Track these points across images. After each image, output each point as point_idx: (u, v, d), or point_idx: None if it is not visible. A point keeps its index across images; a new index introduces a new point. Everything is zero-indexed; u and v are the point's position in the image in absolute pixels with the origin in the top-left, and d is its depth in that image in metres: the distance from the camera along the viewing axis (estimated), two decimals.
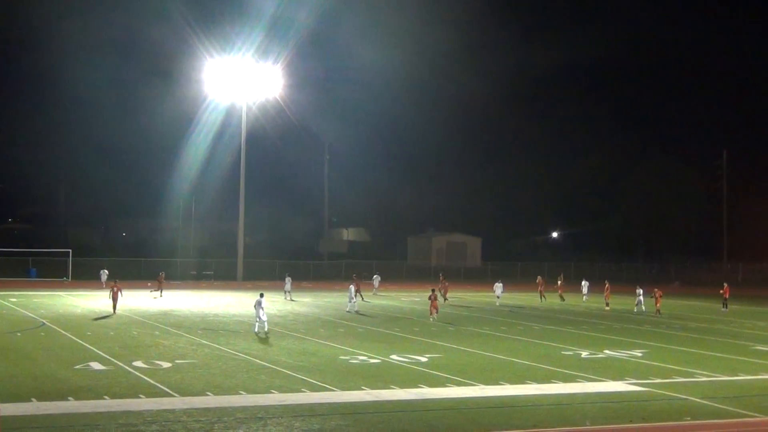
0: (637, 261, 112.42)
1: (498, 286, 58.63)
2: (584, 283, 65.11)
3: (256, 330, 38.80)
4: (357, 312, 50.29)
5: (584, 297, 63.82)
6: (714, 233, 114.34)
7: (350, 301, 51.30)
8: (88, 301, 55.38)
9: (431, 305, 47.00)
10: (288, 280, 61.98)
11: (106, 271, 70.74)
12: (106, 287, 67.43)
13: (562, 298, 62.24)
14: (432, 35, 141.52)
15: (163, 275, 64.30)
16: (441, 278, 62.64)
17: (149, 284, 65.89)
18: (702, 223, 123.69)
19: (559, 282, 64.05)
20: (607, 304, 56.79)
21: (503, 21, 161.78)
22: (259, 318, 38.78)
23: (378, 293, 65.59)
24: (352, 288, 52.45)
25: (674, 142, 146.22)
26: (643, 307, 53.86)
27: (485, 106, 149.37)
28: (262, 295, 40.23)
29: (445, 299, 57.50)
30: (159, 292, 61.07)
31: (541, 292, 62.49)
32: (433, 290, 48.84)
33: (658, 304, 52.35)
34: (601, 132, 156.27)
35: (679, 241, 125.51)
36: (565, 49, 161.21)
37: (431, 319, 46.10)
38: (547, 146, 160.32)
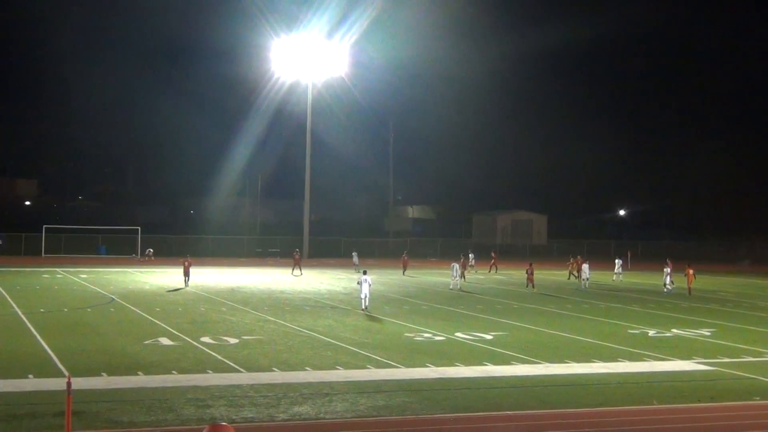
0: (706, 239, 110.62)
1: (618, 263, 61.83)
2: (618, 261, 64.12)
3: (362, 307, 39.03)
4: (460, 290, 51.03)
5: (614, 276, 62.83)
6: None
7: (453, 278, 52.32)
8: (157, 278, 56.14)
9: (527, 278, 52.55)
10: (355, 254, 68.15)
11: (151, 250, 76.66)
12: (146, 262, 70.41)
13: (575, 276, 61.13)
14: (494, 15, 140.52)
15: (299, 253, 65.04)
16: (493, 254, 69.76)
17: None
18: None
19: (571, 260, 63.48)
20: (672, 282, 55.89)
21: None
22: (364, 294, 38.92)
23: (479, 272, 65.74)
24: (456, 266, 52.84)
25: (742, 118, 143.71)
26: (669, 286, 52.42)
27: (550, 84, 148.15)
28: (365, 272, 40.42)
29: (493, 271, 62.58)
30: (298, 270, 61.85)
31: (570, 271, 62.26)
32: (530, 264, 53.55)
33: (690, 283, 51.09)
34: (667, 109, 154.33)
35: (749, 219, 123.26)
36: (630, 24, 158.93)
37: (527, 288, 51.79)
38: (613, 123, 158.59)
